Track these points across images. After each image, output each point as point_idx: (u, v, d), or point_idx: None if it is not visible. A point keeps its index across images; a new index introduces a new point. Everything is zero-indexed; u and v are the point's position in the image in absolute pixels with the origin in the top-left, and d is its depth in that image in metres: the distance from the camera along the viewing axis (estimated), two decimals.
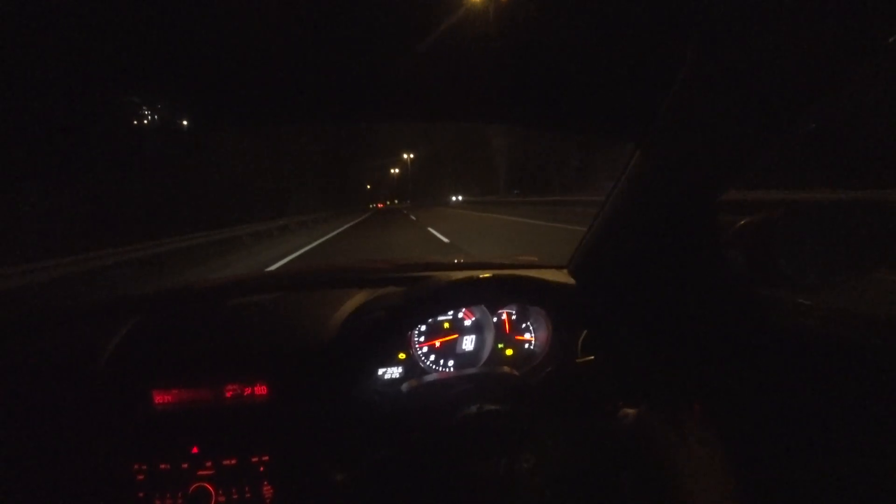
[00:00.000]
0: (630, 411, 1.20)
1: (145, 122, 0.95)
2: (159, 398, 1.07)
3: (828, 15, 0.64)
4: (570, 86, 0.96)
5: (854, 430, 0.84)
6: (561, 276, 1.39)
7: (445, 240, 13.08)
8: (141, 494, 1.04)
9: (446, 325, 1.34)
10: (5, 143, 0.95)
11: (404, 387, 1.19)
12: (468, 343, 1.35)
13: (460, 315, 1.35)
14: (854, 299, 1.00)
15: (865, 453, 0.82)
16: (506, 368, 1.24)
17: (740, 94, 0.80)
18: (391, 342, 1.22)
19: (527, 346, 1.38)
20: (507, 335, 1.37)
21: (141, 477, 1.04)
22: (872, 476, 0.82)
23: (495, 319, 1.34)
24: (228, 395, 1.08)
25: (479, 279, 1.19)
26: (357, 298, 1.27)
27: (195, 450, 1.05)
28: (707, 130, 0.89)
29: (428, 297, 1.13)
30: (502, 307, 1.36)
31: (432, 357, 1.32)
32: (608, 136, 1.11)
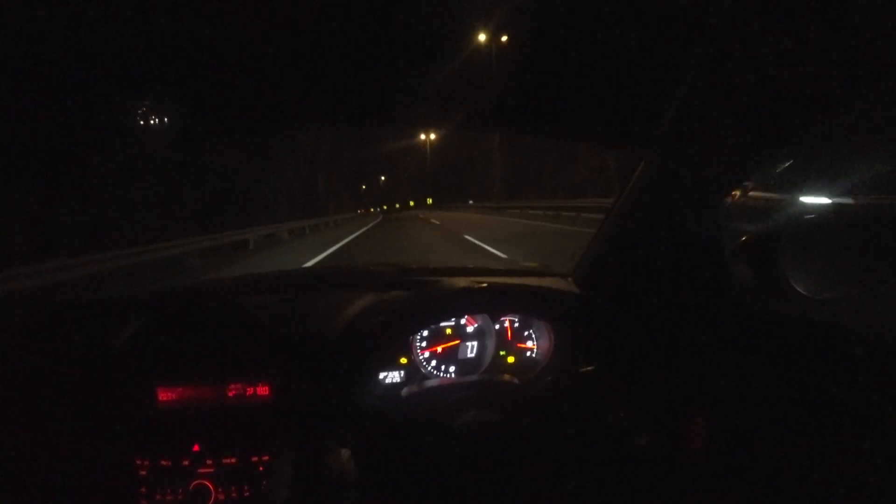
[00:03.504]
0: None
1: (152, 122, 0.95)
2: (163, 395, 1.09)
3: (834, 25, 0.63)
4: (579, 96, 0.96)
5: (858, 446, 0.83)
6: (565, 285, 1.38)
7: None
8: (143, 489, 1.05)
9: (448, 330, 1.34)
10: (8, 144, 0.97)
11: (404, 391, 1.19)
12: (470, 349, 1.35)
13: (462, 321, 1.35)
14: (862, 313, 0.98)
15: (868, 469, 0.82)
16: (506, 376, 1.24)
17: (746, 101, 0.80)
18: (392, 347, 1.22)
19: (528, 353, 1.38)
20: (508, 342, 1.37)
21: (143, 472, 1.05)
22: (876, 492, 0.81)
23: (497, 326, 1.34)
24: (231, 394, 1.09)
25: (482, 289, 1.18)
26: (361, 302, 1.27)
27: (196, 447, 1.06)
28: (713, 137, 0.89)
29: (431, 303, 1.14)
30: (505, 315, 1.35)
31: (433, 362, 1.32)
32: (615, 145, 1.11)
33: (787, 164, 0.89)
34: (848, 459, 0.84)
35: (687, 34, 0.75)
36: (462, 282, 1.26)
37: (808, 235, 0.93)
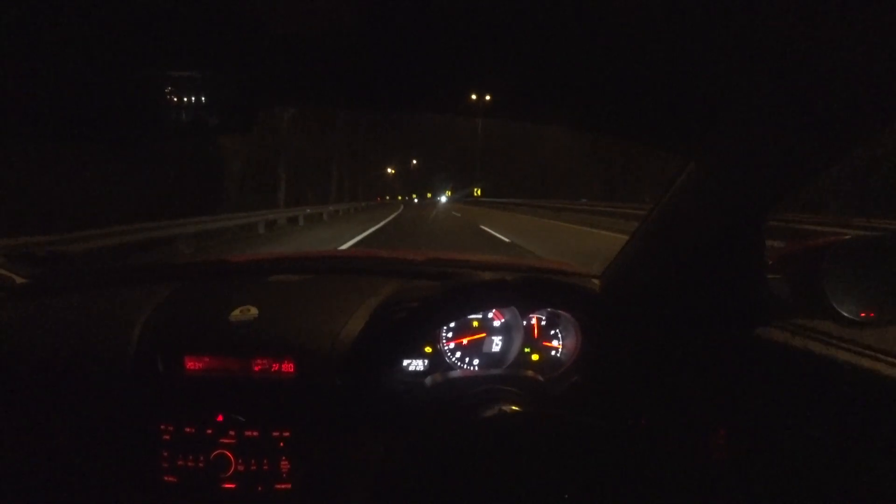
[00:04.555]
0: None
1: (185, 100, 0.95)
2: (191, 364, 1.11)
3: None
4: (629, 91, 0.94)
5: (885, 464, 0.81)
6: (594, 286, 1.37)
7: None
8: (165, 454, 1.07)
9: (475, 323, 1.34)
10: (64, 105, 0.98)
11: (428, 380, 1.19)
12: (495, 343, 1.35)
13: (490, 315, 1.35)
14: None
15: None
16: (530, 372, 1.24)
17: (805, 113, 0.78)
18: (420, 335, 1.23)
19: (553, 352, 1.37)
20: (534, 340, 1.36)
21: (167, 437, 1.08)
22: None
23: (525, 323, 1.34)
24: (256, 368, 1.11)
25: (514, 281, 1.18)
26: (388, 288, 1.28)
27: (220, 417, 1.08)
28: (767, 149, 0.87)
29: (463, 294, 1.14)
30: (534, 311, 1.35)
31: (458, 354, 1.32)
32: (663, 147, 1.09)
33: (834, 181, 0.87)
34: (879, 481, 0.82)
35: (746, 44, 0.73)
36: (492, 275, 1.26)
37: (855, 254, 0.90)
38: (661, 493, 1.13)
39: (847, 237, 0.91)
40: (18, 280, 1.36)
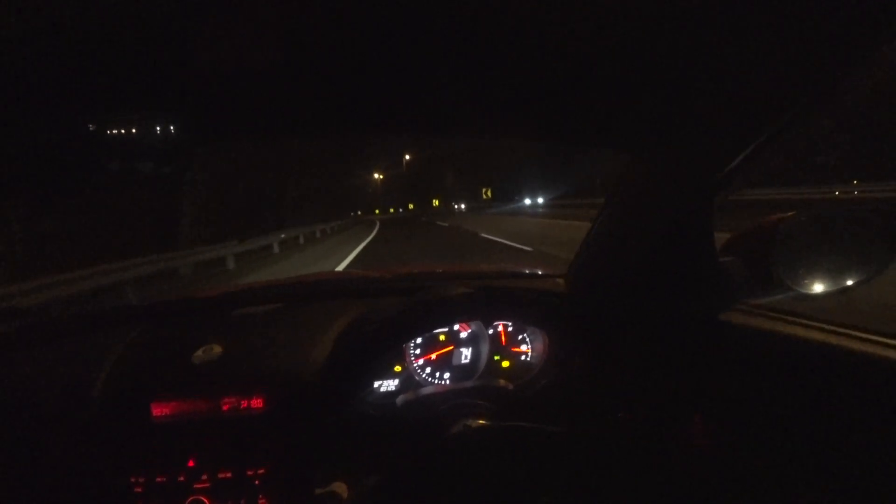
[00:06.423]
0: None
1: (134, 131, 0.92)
2: (157, 411, 1.08)
3: (821, 18, 0.64)
4: (564, 96, 0.95)
5: (852, 438, 0.83)
6: (558, 286, 1.38)
7: None
8: None
9: (442, 337, 1.34)
10: None
11: (399, 400, 1.18)
12: (464, 356, 1.34)
13: (456, 327, 1.34)
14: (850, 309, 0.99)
15: (865, 462, 0.82)
16: (501, 381, 1.24)
17: (735, 98, 0.80)
18: (385, 356, 1.22)
19: (523, 357, 1.38)
20: (503, 346, 1.37)
21: (138, 489, 1.04)
22: (874, 486, 0.81)
23: (491, 331, 1.34)
24: (225, 407, 1.08)
25: (472, 295, 1.18)
26: (353, 311, 1.27)
27: (191, 463, 1.05)
28: (702, 134, 0.89)
29: (421, 312, 1.13)
30: (496, 321, 1.35)
31: (428, 370, 1.31)
32: (603, 146, 1.11)
33: (776, 160, 0.90)
34: (854, 458, 0.84)
35: (674, 30, 0.74)
36: (453, 288, 1.26)
37: (802, 230, 0.93)
38: (644, 485, 1.14)
39: (796, 213, 0.94)
40: None
